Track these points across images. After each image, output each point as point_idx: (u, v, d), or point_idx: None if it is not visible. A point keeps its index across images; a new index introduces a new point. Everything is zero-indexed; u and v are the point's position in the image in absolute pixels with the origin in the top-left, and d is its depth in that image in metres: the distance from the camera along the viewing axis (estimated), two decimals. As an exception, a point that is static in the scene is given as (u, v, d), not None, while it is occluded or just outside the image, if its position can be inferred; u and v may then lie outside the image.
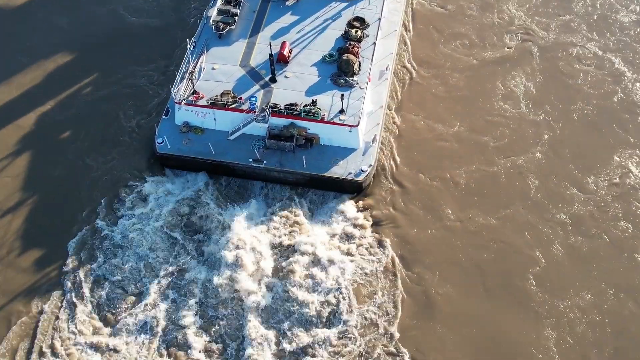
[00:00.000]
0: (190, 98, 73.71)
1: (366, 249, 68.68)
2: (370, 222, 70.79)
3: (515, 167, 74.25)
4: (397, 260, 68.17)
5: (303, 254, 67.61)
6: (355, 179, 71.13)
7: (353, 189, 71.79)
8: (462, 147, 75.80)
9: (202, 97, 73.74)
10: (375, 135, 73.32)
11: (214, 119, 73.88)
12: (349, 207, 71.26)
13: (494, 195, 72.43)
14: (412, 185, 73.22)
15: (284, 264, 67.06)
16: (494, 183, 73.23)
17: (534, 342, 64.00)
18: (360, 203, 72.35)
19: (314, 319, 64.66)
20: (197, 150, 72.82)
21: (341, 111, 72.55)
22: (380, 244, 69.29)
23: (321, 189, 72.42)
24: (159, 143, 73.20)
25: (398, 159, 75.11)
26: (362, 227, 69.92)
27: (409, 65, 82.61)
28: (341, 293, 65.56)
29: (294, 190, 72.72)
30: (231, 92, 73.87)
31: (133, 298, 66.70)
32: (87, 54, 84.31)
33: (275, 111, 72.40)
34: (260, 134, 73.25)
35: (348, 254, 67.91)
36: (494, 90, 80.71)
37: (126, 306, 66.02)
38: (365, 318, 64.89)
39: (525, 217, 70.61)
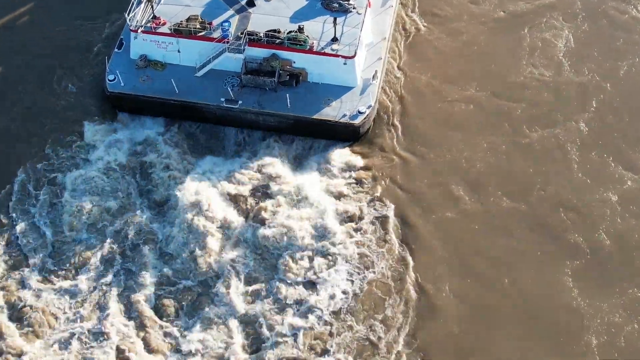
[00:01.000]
0: (149, 25, 60.20)
1: (360, 229, 55.65)
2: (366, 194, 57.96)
3: (551, 139, 60.27)
4: (398, 248, 55.15)
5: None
6: (351, 122, 58.09)
7: (348, 134, 58.97)
8: (480, 115, 61.90)
9: (164, 24, 60.54)
10: (377, 71, 60.24)
11: (178, 51, 60.73)
12: (340, 161, 59.15)
13: (523, 174, 58.63)
14: (418, 159, 59.99)
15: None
16: (523, 159, 59.45)
17: (571, 351, 50.67)
18: (357, 157, 59.88)
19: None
20: (157, 89, 59.94)
21: (334, 39, 59.47)
22: (379, 224, 56.28)
23: (309, 136, 59.70)
24: (110, 80, 60.26)
25: (398, 125, 61.79)
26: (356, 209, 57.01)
27: (412, 16, 68.34)
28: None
29: (275, 137, 60.03)
30: (199, 18, 60.61)
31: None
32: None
33: (253, 39, 59.21)
34: (234, 69, 60.31)
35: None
36: (522, 45, 66.25)
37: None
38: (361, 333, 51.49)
39: (564, 199, 57.01)
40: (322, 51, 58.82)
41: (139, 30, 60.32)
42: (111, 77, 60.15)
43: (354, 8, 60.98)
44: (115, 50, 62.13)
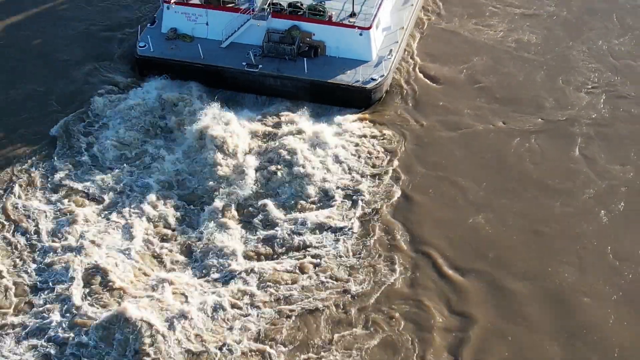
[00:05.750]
0: None
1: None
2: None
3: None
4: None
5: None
6: (363, 86, 61.21)
7: (360, 99, 62.08)
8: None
9: None
10: (392, 50, 63.61)
11: (206, 24, 64.83)
12: (350, 122, 62.56)
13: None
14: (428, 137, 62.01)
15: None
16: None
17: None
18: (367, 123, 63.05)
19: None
20: (183, 55, 63.68)
21: (352, 14, 63.27)
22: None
23: (323, 102, 62.50)
24: (140, 47, 64.18)
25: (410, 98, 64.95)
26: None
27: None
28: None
29: (293, 103, 63.07)
30: None
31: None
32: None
33: (277, 10, 63.01)
34: (257, 43, 64.09)
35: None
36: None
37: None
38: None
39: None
40: (340, 22, 62.34)
41: (172, 2, 64.30)
42: (142, 44, 64.00)
43: (372, -6, 63.80)
44: (148, 25, 66.24)
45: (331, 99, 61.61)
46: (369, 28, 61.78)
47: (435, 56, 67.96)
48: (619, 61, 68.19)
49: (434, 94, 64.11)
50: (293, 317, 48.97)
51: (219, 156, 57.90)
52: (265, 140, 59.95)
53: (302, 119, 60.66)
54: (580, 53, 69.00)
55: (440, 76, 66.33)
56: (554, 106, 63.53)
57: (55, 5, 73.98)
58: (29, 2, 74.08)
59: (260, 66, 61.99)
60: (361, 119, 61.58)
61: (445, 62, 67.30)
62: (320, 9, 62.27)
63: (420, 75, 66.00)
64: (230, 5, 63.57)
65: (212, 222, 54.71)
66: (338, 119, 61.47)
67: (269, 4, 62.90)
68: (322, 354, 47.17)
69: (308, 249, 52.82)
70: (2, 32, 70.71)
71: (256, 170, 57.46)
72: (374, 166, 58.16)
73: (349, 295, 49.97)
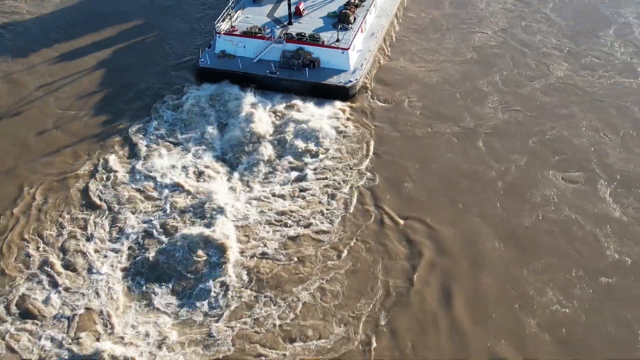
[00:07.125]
0: (228, 29, 64.64)
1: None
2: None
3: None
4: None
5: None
6: (344, 85, 64.16)
7: (342, 93, 63.98)
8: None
9: (237, 30, 66.86)
10: (363, 64, 67.44)
11: (244, 47, 68.12)
12: (336, 106, 62.16)
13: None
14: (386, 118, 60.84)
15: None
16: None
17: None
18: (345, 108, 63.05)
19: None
20: (229, 67, 66.84)
21: (337, 40, 67.73)
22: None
23: (319, 96, 64.17)
24: (201, 62, 68.23)
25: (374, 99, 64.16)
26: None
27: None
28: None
29: (299, 97, 63.79)
30: (258, 26, 67.23)
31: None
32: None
33: (289, 37, 66.34)
34: (276, 59, 67.23)
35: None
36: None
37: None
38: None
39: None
40: (329, 45, 65.63)
41: (222, 33, 66.75)
42: (202, 60, 68.25)
43: (351, 27, 67.04)
44: (207, 49, 70.23)
45: (324, 94, 64.67)
46: (347, 49, 66.01)
47: (383, 82, 67.47)
48: (509, 87, 66.42)
49: (382, 108, 62.71)
50: (282, 263, 47.07)
51: (252, 128, 57.84)
52: (281, 119, 60.68)
53: (305, 106, 62.15)
54: (486, 83, 66.94)
55: (387, 96, 64.99)
56: (466, 118, 61.51)
57: (143, 39, 73.20)
58: (118, 38, 73.31)
59: (278, 73, 65.28)
60: (342, 107, 62.79)
61: (390, 87, 66.11)
62: (317, 36, 67.47)
63: (373, 95, 65.06)
64: (259, 35, 66.65)
65: (243, 171, 54.99)
66: (328, 106, 62.67)
67: (284, 33, 67.73)
68: (308, 282, 45.28)
69: (294, 205, 51.43)
70: (105, 57, 70.04)
71: (274, 139, 57.61)
72: (346, 141, 58.99)
73: (328, 239, 48.44)
